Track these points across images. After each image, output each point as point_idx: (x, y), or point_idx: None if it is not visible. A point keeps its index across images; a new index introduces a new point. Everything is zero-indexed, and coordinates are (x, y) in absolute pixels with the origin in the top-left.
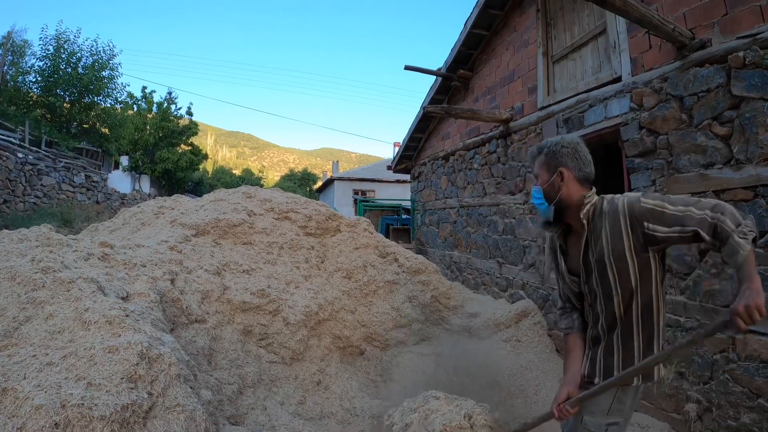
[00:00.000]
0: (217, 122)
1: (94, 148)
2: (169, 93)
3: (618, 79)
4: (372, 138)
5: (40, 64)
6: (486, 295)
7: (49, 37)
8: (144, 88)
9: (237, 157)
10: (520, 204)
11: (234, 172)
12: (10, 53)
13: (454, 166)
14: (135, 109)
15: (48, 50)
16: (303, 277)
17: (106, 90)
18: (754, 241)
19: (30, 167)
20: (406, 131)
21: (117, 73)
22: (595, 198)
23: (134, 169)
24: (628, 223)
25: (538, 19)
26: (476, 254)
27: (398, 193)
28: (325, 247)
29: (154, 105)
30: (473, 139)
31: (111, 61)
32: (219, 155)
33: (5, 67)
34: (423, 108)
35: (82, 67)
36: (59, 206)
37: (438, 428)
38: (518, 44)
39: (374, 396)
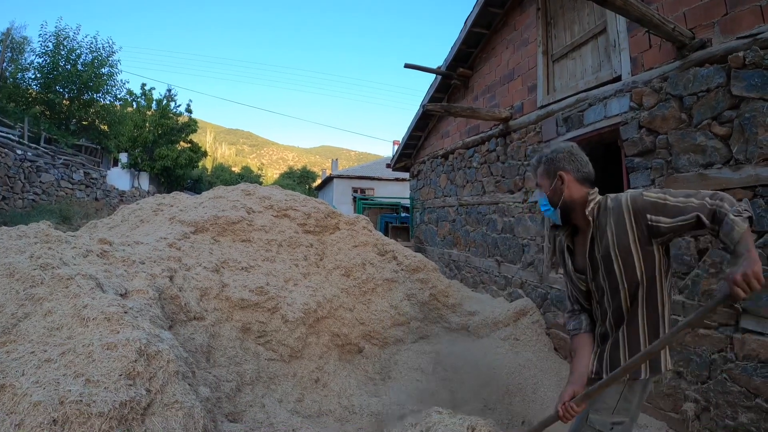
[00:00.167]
0: (216, 119)
1: (93, 145)
2: (169, 90)
3: (618, 79)
4: (371, 136)
5: (40, 60)
6: (485, 293)
7: (48, 34)
8: (143, 85)
9: (236, 155)
10: (519, 203)
11: (233, 169)
12: (9, 50)
13: (454, 164)
14: (134, 106)
15: (47, 47)
16: (302, 275)
17: (105, 87)
18: (750, 222)
19: (29, 164)
20: (406, 129)
21: (116, 70)
22: (599, 196)
23: (133, 167)
24: (632, 216)
25: (538, 17)
26: (475, 252)
27: (397, 191)
28: (324, 244)
29: (154, 102)
30: (473, 137)
31: (110, 58)
32: (218, 152)
33: (4, 64)
34: (423, 106)
35: (82, 64)
36: (58, 203)
37: None
38: (518, 43)
39: (372, 394)
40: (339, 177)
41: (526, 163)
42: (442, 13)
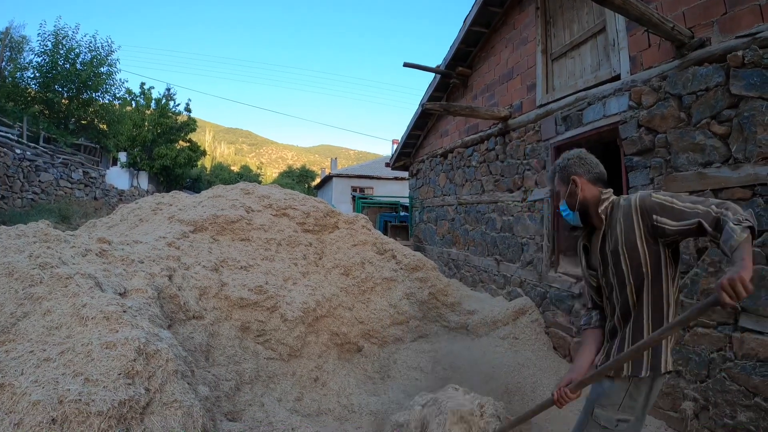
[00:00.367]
0: (215, 119)
1: (92, 144)
2: (168, 89)
3: (617, 78)
4: (371, 135)
5: (39, 59)
6: (484, 292)
7: (47, 33)
8: (142, 84)
9: (235, 154)
10: (519, 201)
11: (232, 168)
12: (8, 49)
13: (453, 163)
14: (133, 105)
15: (46, 46)
16: (301, 274)
17: (104, 86)
18: (752, 231)
19: (28, 163)
20: (405, 128)
21: (115, 69)
22: (613, 196)
23: (132, 166)
24: (639, 214)
25: (537, 16)
26: (474, 251)
27: (396, 190)
28: (323, 243)
29: (153, 101)
30: (472, 136)
31: (109, 57)
32: (217, 152)
33: (3, 63)
34: (422, 105)
35: (81, 63)
36: (57, 202)
37: (451, 409)
38: (517, 42)
39: (372, 393)
40: (338, 176)
41: (525, 162)
42: (441, 12)
